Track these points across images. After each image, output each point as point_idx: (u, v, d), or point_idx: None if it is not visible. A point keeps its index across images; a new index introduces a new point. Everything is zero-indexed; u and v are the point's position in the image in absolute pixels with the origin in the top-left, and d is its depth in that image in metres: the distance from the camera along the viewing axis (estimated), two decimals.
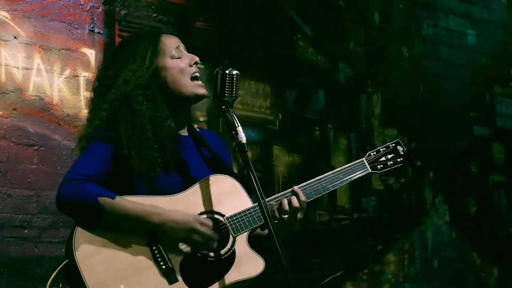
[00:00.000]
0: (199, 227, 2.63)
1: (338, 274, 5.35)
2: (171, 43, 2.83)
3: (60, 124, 3.92)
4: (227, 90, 2.67)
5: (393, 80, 5.90)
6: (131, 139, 2.67)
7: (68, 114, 3.96)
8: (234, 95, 2.68)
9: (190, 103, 2.86)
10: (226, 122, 2.67)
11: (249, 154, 2.66)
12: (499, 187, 6.60)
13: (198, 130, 2.95)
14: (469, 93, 6.43)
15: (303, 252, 5.06)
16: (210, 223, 2.67)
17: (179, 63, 2.80)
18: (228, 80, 2.67)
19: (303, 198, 2.78)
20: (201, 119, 4.54)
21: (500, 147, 6.64)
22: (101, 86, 2.82)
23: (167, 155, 2.70)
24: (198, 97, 2.82)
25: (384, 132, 5.76)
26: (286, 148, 5.13)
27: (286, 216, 2.75)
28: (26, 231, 3.78)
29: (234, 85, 2.68)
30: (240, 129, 2.63)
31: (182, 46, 2.85)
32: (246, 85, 4.87)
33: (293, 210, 2.76)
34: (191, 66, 2.81)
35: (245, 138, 2.62)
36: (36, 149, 3.83)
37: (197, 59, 2.83)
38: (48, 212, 3.84)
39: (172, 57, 2.80)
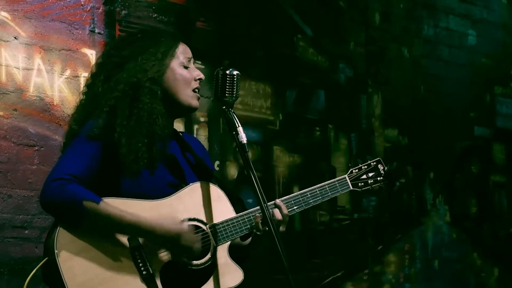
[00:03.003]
0: (182, 242, 2.62)
1: (339, 274, 5.35)
2: (186, 52, 2.84)
3: (60, 125, 3.92)
4: (227, 91, 2.68)
5: (394, 80, 5.90)
6: (125, 128, 2.66)
7: (69, 115, 3.94)
8: (234, 95, 2.69)
9: (181, 112, 2.87)
10: (226, 123, 2.68)
11: (250, 154, 2.66)
12: (500, 187, 6.60)
13: (181, 134, 2.94)
14: (470, 93, 6.43)
15: (304, 252, 5.06)
16: (193, 236, 2.65)
17: (186, 73, 2.81)
18: (228, 80, 2.68)
19: (285, 211, 2.77)
20: (202, 119, 4.53)
21: (501, 147, 6.64)
22: (110, 63, 2.80)
23: (153, 153, 2.69)
24: (190, 109, 2.84)
25: (385, 132, 5.76)
26: (287, 148, 5.13)
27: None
28: (26, 232, 3.78)
29: (234, 86, 2.68)
30: (240, 129, 2.64)
31: (192, 60, 2.87)
32: (246, 86, 4.87)
33: (276, 222, 2.74)
34: (195, 80, 2.82)
35: (245, 139, 2.63)
36: (37, 150, 3.83)
37: (202, 76, 2.84)
38: None
39: (181, 64, 2.81)
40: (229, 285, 2.69)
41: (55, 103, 3.91)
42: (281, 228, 2.76)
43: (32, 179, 3.81)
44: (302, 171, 5.15)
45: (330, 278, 5.29)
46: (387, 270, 5.68)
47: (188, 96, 2.80)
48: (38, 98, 3.86)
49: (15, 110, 3.78)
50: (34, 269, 3.76)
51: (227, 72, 2.68)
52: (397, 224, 5.79)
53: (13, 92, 3.77)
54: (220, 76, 2.69)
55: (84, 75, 4.02)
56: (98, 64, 2.87)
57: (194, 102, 2.82)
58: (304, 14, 5.32)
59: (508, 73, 6.81)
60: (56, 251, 2.55)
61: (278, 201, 2.78)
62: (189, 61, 2.83)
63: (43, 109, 3.87)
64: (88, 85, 2.84)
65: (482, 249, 6.39)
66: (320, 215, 5.26)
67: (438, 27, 6.25)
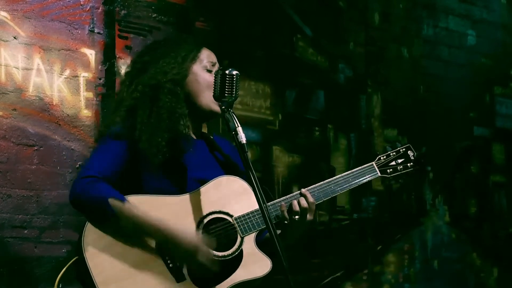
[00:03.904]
0: (199, 259, 2.65)
1: (338, 274, 5.35)
2: (209, 57, 2.92)
3: (60, 125, 3.92)
4: (227, 91, 2.68)
5: (393, 80, 5.90)
6: (145, 125, 2.74)
7: (68, 115, 3.96)
8: (234, 95, 2.69)
9: (203, 116, 2.91)
10: (226, 123, 2.68)
11: (249, 154, 2.66)
12: (499, 188, 6.60)
13: (212, 137, 3.02)
14: (469, 93, 6.42)
15: (303, 252, 5.05)
16: (211, 255, 2.68)
17: (209, 77, 2.86)
18: (228, 80, 2.68)
19: (311, 199, 2.83)
20: None
21: (500, 148, 6.63)
22: (134, 69, 2.91)
23: (176, 149, 2.76)
24: (212, 113, 2.87)
25: (384, 132, 5.76)
26: (286, 148, 5.13)
27: (297, 217, 2.81)
28: (25, 232, 3.78)
29: (234, 85, 2.69)
30: (240, 129, 2.64)
31: (217, 65, 2.92)
32: (246, 86, 4.87)
33: (302, 210, 2.81)
34: None
35: (245, 139, 2.63)
36: (36, 150, 3.83)
37: None
38: (48, 212, 3.84)
39: (204, 68, 2.88)
40: (256, 274, 2.72)
41: (54, 103, 3.91)
42: (308, 217, 2.82)
43: (32, 179, 3.80)
44: (302, 171, 5.14)
45: (329, 278, 5.29)
46: (386, 270, 5.68)
47: (209, 100, 2.83)
48: (37, 98, 3.85)
49: (15, 110, 3.78)
50: (33, 269, 3.78)
51: (227, 72, 2.69)
52: (396, 224, 5.79)
53: (12, 92, 3.77)
54: (219, 76, 2.69)
55: (83, 75, 4.02)
56: (126, 73, 2.98)
57: (215, 107, 2.84)
58: (304, 14, 5.31)
59: (507, 73, 6.80)
60: (83, 248, 2.60)
61: (303, 190, 2.85)
62: (213, 65, 2.90)
63: (42, 109, 3.87)
64: (117, 93, 3.03)
65: (481, 249, 6.39)
66: (320, 215, 5.25)
67: (438, 27, 6.24)
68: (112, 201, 2.62)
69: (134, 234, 2.66)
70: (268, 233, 2.85)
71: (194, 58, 2.88)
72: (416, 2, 6.11)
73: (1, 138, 3.72)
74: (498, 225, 6.56)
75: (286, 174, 5.09)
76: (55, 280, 3.75)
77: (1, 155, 3.73)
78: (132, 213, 2.64)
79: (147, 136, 2.72)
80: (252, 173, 2.59)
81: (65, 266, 2.70)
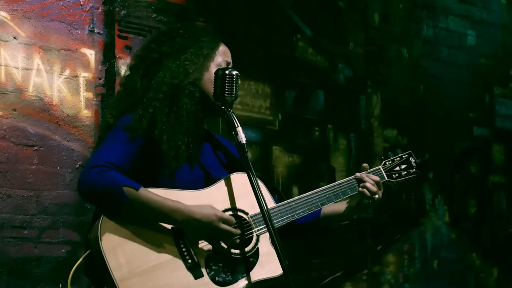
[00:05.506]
0: (222, 226, 2.63)
1: (338, 274, 5.35)
2: (225, 55, 2.85)
3: (60, 125, 3.92)
4: (226, 90, 2.68)
5: (393, 80, 5.90)
6: (165, 125, 2.68)
7: (68, 115, 3.96)
8: (233, 95, 2.70)
9: (216, 113, 2.83)
10: (226, 123, 2.68)
11: (249, 154, 2.66)
12: (499, 188, 6.60)
13: (215, 136, 2.98)
14: (469, 93, 6.43)
15: (303, 252, 5.05)
16: (233, 219, 2.67)
17: None
18: (227, 80, 2.68)
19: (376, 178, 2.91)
20: None
21: (500, 148, 6.64)
22: (150, 58, 2.81)
23: (191, 151, 2.73)
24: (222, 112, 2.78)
25: (384, 132, 5.76)
26: (286, 148, 5.13)
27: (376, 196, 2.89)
28: (25, 232, 3.78)
29: (233, 85, 2.69)
30: (239, 129, 2.64)
31: (231, 65, 2.87)
32: (245, 86, 4.87)
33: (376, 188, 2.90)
34: None
35: (244, 139, 2.63)
36: (36, 150, 3.83)
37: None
38: (47, 212, 3.84)
39: (218, 66, 2.80)
40: (273, 273, 2.68)
41: (54, 103, 3.91)
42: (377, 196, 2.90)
43: (31, 179, 3.80)
44: (301, 171, 5.14)
45: (329, 278, 5.29)
46: (386, 271, 5.68)
47: None
48: (37, 98, 3.85)
49: (15, 110, 3.78)
50: (33, 269, 3.78)
51: (226, 72, 2.69)
52: (396, 225, 5.79)
53: (12, 92, 3.77)
54: (219, 76, 2.69)
55: (83, 75, 4.02)
56: (137, 57, 2.88)
57: None
58: (304, 14, 5.31)
59: (507, 74, 6.81)
60: (100, 241, 2.54)
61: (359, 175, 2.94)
62: (228, 65, 2.84)
63: (42, 109, 3.87)
64: (126, 77, 2.86)
65: (481, 250, 6.39)
66: None
67: (438, 27, 6.25)
68: (127, 189, 2.55)
69: (151, 219, 2.61)
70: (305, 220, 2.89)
71: (213, 56, 2.81)
72: (416, 2, 6.12)
73: (1, 138, 3.72)
74: (497, 226, 6.56)
75: (286, 174, 5.09)
76: (55, 280, 3.76)
77: (1, 155, 3.73)
78: (148, 197, 2.58)
79: (167, 137, 2.67)
80: (252, 174, 2.59)
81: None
